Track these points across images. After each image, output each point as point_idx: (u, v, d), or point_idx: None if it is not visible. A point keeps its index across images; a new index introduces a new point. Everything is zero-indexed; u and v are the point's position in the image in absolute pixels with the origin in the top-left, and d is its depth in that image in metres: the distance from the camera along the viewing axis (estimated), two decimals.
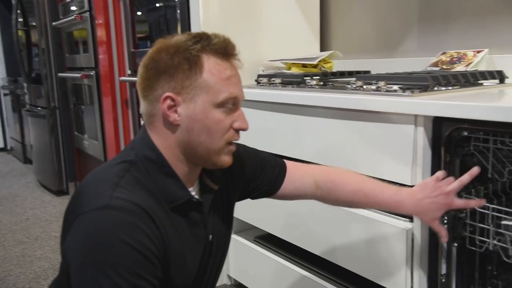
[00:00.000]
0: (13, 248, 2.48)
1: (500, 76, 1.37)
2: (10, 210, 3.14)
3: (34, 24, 3.38)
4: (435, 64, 1.53)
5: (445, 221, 1.08)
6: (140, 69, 0.85)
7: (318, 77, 1.54)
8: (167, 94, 0.81)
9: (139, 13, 2.31)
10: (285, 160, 1.10)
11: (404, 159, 1.11)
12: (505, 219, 1.05)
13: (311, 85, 1.49)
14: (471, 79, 1.30)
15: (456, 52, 1.52)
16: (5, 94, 5.11)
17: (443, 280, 1.11)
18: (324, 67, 1.77)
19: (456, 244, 1.10)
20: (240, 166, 1.01)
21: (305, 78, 1.54)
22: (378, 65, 1.79)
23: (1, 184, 3.84)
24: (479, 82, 1.33)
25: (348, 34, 2.00)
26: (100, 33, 2.61)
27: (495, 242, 1.06)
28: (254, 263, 1.69)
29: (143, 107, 0.86)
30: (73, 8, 2.95)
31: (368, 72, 1.77)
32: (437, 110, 1.01)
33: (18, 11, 3.57)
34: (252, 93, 1.53)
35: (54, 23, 3.16)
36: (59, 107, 3.35)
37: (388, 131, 1.14)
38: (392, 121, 1.13)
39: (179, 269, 0.85)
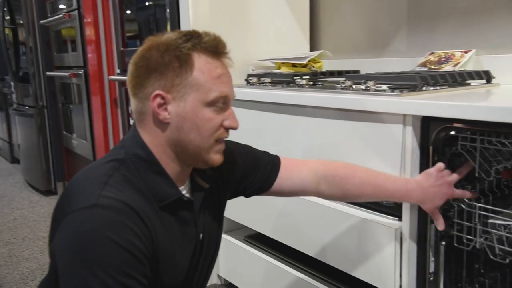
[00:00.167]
0: (0, 249, 2.45)
1: (487, 76, 1.38)
2: None
3: (21, 22, 3.34)
4: (424, 64, 1.55)
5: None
6: (130, 67, 0.84)
7: (307, 77, 1.54)
8: (157, 92, 0.80)
9: (128, 11, 2.30)
10: (282, 157, 1.09)
11: (393, 158, 1.12)
12: (492, 217, 1.06)
13: (301, 84, 1.50)
14: (459, 79, 1.31)
15: (444, 52, 1.53)
16: None
17: (431, 278, 1.12)
18: (313, 67, 1.78)
19: (444, 243, 1.11)
20: (231, 164, 1.01)
21: (295, 77, 1.54)
22: (367, 65, 1.80)
23: None
24: (467, 82, 1.35)
25: (338, 34, 2.01)
26: (89, 31, 2.59)
27: (482, 240, 1.07)
28: (244, 263, 1.70)
29: (133, 105, 0.86)
30: (61, 6, 2.93)
31: (357, 71, 1.78)
32: (425, 110, 1.02)
33: (5, 9, 3.52)
34: (242, 92, 1.53)
35: (42, 21, 3.13)
36: (47, 106, 3.32)
37: (377, 131, 1.15)
38: (381, 120, 1.14)
39: (169, 268, 0.85)
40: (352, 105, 1.18)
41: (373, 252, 1.19)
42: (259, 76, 1.65)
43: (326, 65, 1.87)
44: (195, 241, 0.91)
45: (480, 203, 1.07)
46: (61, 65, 3.13)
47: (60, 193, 3.34)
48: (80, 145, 2.97)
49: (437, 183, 1.03)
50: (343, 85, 1.31)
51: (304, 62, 1.72)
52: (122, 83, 2.39)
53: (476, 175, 1.07)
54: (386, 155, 1.14)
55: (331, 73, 1.69)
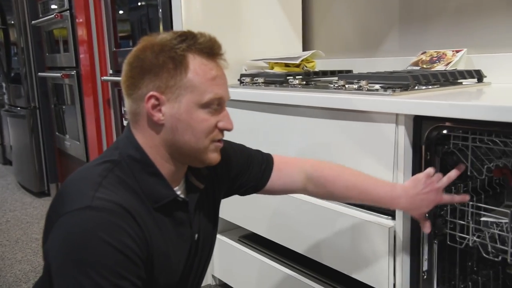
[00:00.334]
0: None
1: (478, 75, 1.39)
2: None
3: (12, 22, 3.31)
4: (416, 64, 1.55)
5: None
6: (124, 67, 0.84)
7: (300, 77, 1.55)
8: (151, 93, 0.80)
9: (120, 11, 2.29)
10: (274, 155, 1.09)
11: (385, 157, 1.13)
12: (484, 215, 1.07)
13: (294, 84, 1.50)
14: (451, 78, 1.32)
15: (435, 51, 1.54)
16: None
17: (425, 276, 1.12)
18: (306, 67, 1.78)
19: (437, 241, 1.12)
20: (225, 164, 1.01)
21: (288, 77, 1.55)
22: (360, 65, 1.81)
23: None
24: (458, 81, 1.36)
25: (330, 33, 2.02)
26: (81, 32, 2.58)
27: (474, 238, 1.08)
28: (238, 263, 1.70)
29: (127, 105, 0.85)
30: (53, 6, 2.91)
31: (350, 71, 1.78)
32: (418, 109, 1.03)
33: None
34: (235, 92, 1.53)
35: (33, 22, 3.11)
36: (39, 107, 3.29)
37: (370, 130, 1.15)
38: (374, 120, 1.14)
39: (163, 269, 0.84)
40: (345, 104, 1.19)
41: (367, 251, 1.19)
42: (252, 76, 1.65)
43: (319, 65, 1.87)
44: (190, 242, 0.91)
45: (473, 201, 1.08)
46: (53, 65, 3.11)
47: (53, 194, 3.33)
48: (73, 146, 2.95)
49: (424, 190, 1.01)
50: (336, 85, 1.32)
51: (297, 62, 1.72)
52: (115, 84, 2.38)
53: (468, 173, 1.08)
54: (379, 154, 1.14)
55: (324, 73, 1.70)
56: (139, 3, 2.08)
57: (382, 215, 1.19)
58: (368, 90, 1.21)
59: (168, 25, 1.77)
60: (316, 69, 1.80)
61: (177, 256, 0.88)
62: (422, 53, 1.58)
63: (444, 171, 1.06)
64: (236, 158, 1.04)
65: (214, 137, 0.85)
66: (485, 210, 1.07)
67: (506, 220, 1.03)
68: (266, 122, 1.47)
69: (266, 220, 1.51)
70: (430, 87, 1.25)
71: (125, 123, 2.33)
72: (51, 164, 3.35)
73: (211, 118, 0.83)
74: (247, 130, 1.53)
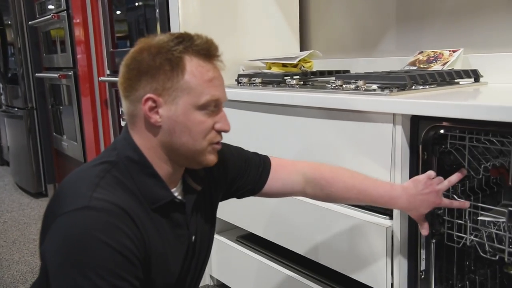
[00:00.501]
0: None
1: (475, 75, 1.39)
2: None
3: (9, 22, 3.31)
4: (413, 63, 1.56)
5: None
6: (121, 69, 0.84)
7: (298, 77, 1.55)
8: (148, 95, 0.80)
9: (118, 12, 2.29)
10: (271, 157, 1.09)
11: (383, 157, 1.13)
12: (482, 215, 1.07)
13: (291, 84, 1.50)
14: (447, 78, 1.32)
15: (432, 51, 1.55)
16: None
17: (423, 276, 1.12)
18: (304, 67, 1.78)
19: (434, 241, 1.12)
20: (223, 167, 1.01)
21: (285, 77, 1.55)
22: (357, 65, 1.81)
23: None
24: (455, 81, 1.36)
25: (328, 33, 2.02)
26: (78, 32, 2.57)
27: (472, 237, 1.08)
28: (236, 263, 1.70)
29: (124, 107, 0.85)
30: (50, 7, 2.90)
31: (347, 71, 1.78)
32: (415, 109, 1.03)
33: None
34: (232, 92, 1.53)
35: (30, 22, 3.10)
36: (36, 107, 3.29)
37: (367, 130, 1.16)
38: (371, 119, 1.14)
39: (161, 270, 0.84)
40: (342, 104, 1.19)
41: (365, 251, 1.19)
42: (250, 76, 1.65)
43: (316, 65, 1.87)
44: (187, 243, 0.91)
45: (470, 200, 1.08)
46: (51, 66, 3.11)
47: (51, 195, 3.32)
48: (71, 147, 2.95)
49: (424, 191, 1.01)
50: (333, 85, 1.32)
51: (295, 62, 1.73)
52: (113, 84, 2.38)
53: (466, 173, 1.08)
54: (376, 154, 1.14)
55: (321, 73, 1.70)
56: (136, 4, 2.08)
57: (380, 215, 1.19)
58: (365, 90, 1.22)
59: (166, 26, 1.76)
60: (314, 69, 1.80)
61: (175, 257, 0.88)
62: (419, 53, 1.59)
63: (441, 170, 1.06)
64: (233, 162, 1.04)
65: (212, 139, 0.85)
66: (483, 209, 1.07)
67: (504, 219, 1.03)
68: (264, 122, 1.47)
69: (264, 220, 1.51)
70: (427, 87, 1.25)
71: (122, 123, 2.33)
72: (48, 165, 3.35)
73: (208, 119, 0.83)
74: (244, 130, 1.53)
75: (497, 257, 1.08)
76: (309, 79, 1.66)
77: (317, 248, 1.33)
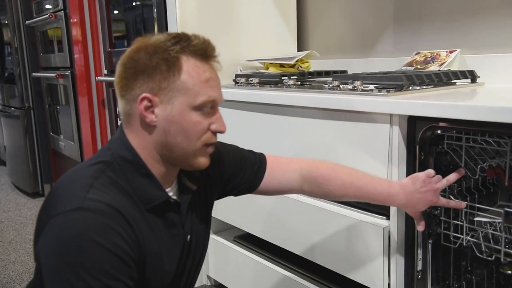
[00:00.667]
0: None
1: (471, 75, 1.40)
2: None
3: (6, 22, 3.30)
4: (410, 64, 1.56)
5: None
6: (118, 68, 0.83)
7: (295, 77, 1.55)
8: (144, 94, 0.80)
9: (115, 12, 2.28)
10: (267, 155, 1.09)
11: (380, 157, 1.13)
12: (478, 215, 1.07)
13: (289, 84, 1.50)
14: (444, 79, 1.33)
15: (429, 52, 1.55)
16: None
17: (419, 276, 1.13)
18: (301, 67, 1.79)
19: (431, 241, 1.12)
20: (218, 166, 1.01)
21: (283, 78, 1.55)
22: (354, 65, 1.81)
23: None
24: (452, 81, 1.36)
25: (325, 34, 2.02)
26: (75, 32, 2.57)
27: (468, 238, 1.09)
28: (233, 263, 1.69)
29: (120, 106, 0.85)
30: (48, 6, 2.90)
31: (344, 71, 1.79)
32: (412, 109, 1.03)
33: None
34: (230, 93, 1.53)
35: (27, 22, 3.09)
36: (33, 107, 3.28)
37: (365, 130, 1.16)
38: (368, 120, 1.14)
39: (156, 270, 0.84)
40: (340, 105, 1.19)
41: (362, 251, 1.20)
42: (247, 76, 1.65)
43: (314, 65, 1.87)
44: (182, 243, 0.91)
45: (466, 201, 1.08)
46: (48, 66, 3.10)
47: None
48: (68, 147, 2.94)
49: (423, 189, 1.01)
50: (331, 85, 1.32)
51: (292, 62, 1.73)
52: (110, 84, 2.37)
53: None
54: (373, 154, 1.15)
55: (319, 73, 1.70)
56: (134, 3, 2.07)
57: (376, 215, 1.19)
58: (362, 90, 1.22)
59: (163, 25, 1.76)
60: (311, 70, 1.80)
61: (170, 257, 0.88)
62: (416, 54, 1.59)
63: (438, 171, 1.07)
64: (228, 160, 1.03)
65: (207, 140, 0.84)
66: (479, 209, 1.07)
67: (500, 220, 1.03)
68: (261, 123, 1.47)
69: (261, 220, 1.51)
70: (424, 87, 1.25)
71: (120, 123, 2.32)
72: (45, 165, 3.34)
73: (204, 120, 0.83)
74: (242, 130, 1.53)
75: (493, 257, 1.08)
76: (306, 79, 1.66)
77: (314, 248, 1.34)
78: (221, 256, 1.75)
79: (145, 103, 0.80)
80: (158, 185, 0.84)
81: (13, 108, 3.42)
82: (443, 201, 1.04)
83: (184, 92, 0.80)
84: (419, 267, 1.12)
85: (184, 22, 1.69)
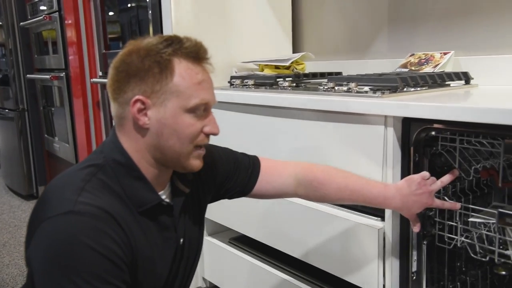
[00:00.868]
0: None
1: (465, 77, 1.40)
2: None
3: (0, 23, 3.28)
4: (404, 66, 1.56)
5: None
6: (110, 71, 0.83)
7: (290, 79, 1.55)
8: (137, 97, 0.80)
9: (110, 13, 2.28)
10: (262, 158, 1.08)
11: (375, 159, 1.13)
12: (472, 216, 1.08)
13: (284, 86, 1.50)
14: (439, 80, 1.33)
15: (424, 53, 1.55)
16: None
17: (414, 277, 1.13)
18: (296, 69, 1.79)
19: (426, 242, 1.13)
20: (211, 169, 1.00)
21: (278, 79, 1.55)
22: (349, 67, 1.82)
23: None
24: (446, 83, 1.37)
25: (320, 35, 2.02)
26: (70, 33, 2.56)
27: (462, 239, 1.09)
28: (229, 265, 1.69)
29: (113, 109, 0.85)
30: (42, 8, 2.89)
31: (339, 73, 1.79)
32: (406, 111, 1.04)
33: None
34: (225, 94, 1.53)
35: (22, 23, 3.08)
36: (28, 109, 3.27)
37: (359, 132, 1.16)
38: (363, 121, 1.15)
39: (148, 274, 0.84)
40: (335, 106, 1.19)
41: (357, 252, 1.20)
42: (242, 78, 1.65)
43: (309, 67, 1.88)
44: (175, 246, 0.90)
45: (461, 202, 1.08)
46: (42, 67, 3.09)
47: None
48: (62, 149, 2.93)
49: (418, 191, 1.01)
50: (326, 87, 1.32)
51: (287, 64, 1.73)
52: (105, 86, 2.34)
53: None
54: (368, 156, 1.15)
55: (314, 75, 1.70)
56: (129, 5, 2.07)
57: (371, 217, 1.19)
58: (357, 92, 1.22)
59: (158, 27, 1.76)
60: (306, 71, 1.81)
61: (162, 260, 0.88)
62: (411, 55, 1.60)
63: (432, 172, 1.07)
64: (222, 163, 1.03)
65: (199, 142, 0.84)
66: (473, 210, 1.08)
67: (494, 221, 1.04)
68: (256, 124, 1.47)
69: (256, 222, 1.51)
70: (418, 89, 1.26)
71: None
72: (40, 167, 3.33)
73: (197, 122, 0.83)
74: (236, 132, 1.53)
75: (488, 258, 1.08)
76: (301, 81, 1.66)
77: (309, 250, 1.33)
78: (216, 258, 1.75)
79: (138, 105, 0.80)
80: (151, 188, 0.84)
81: (7, 110, 3.41)
82: (438, 202, 1.05)
83: (177, 94, 0.80)
84: (414, 268, 1.13)
85: (179, 23, 1.69)
